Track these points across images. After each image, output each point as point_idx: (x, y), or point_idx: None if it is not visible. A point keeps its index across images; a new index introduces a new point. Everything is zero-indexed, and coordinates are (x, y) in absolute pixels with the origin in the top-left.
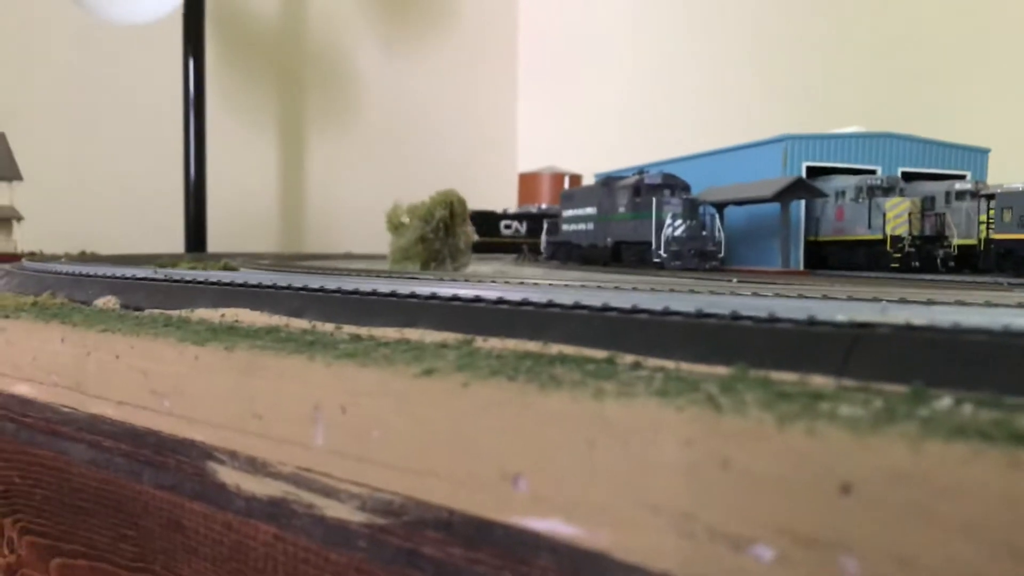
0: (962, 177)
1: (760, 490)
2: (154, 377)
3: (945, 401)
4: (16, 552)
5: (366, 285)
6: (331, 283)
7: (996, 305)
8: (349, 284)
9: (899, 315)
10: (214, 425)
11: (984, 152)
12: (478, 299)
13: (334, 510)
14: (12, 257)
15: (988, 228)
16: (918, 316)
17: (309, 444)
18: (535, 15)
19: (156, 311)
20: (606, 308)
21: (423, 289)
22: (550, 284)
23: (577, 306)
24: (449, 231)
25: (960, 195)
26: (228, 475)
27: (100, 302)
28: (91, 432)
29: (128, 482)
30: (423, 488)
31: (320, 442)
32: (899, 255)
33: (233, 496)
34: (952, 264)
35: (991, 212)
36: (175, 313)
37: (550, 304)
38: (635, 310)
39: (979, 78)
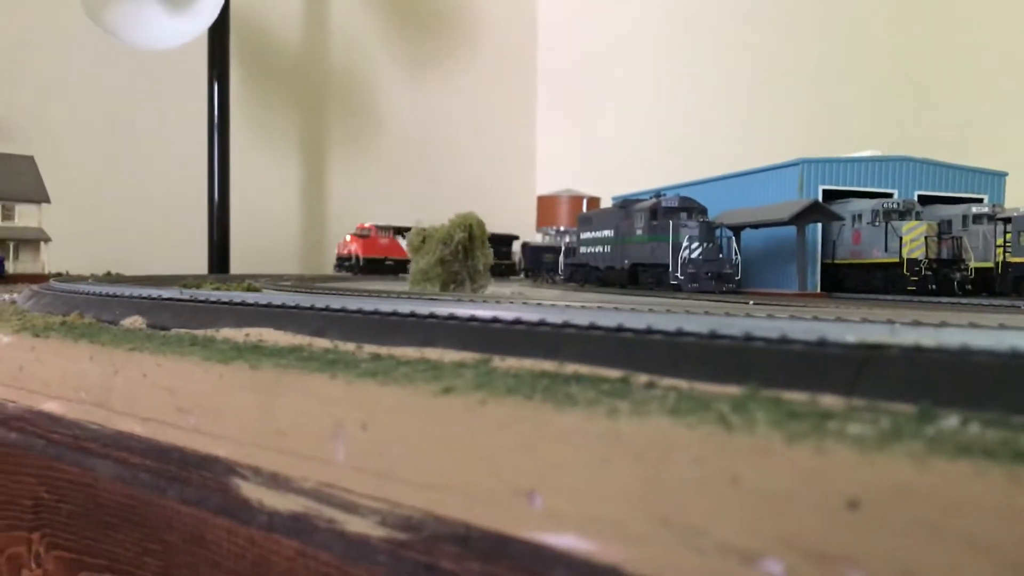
0: (979, 200)
1: (769, 506)
2: (180, 395)
3: (952, 420)
4: (43, 566)
5: (386, 306)
6: (352, 304)
7: (1009, 328)
8: (370, 305)
9: (909, 336)
10: (238, 441)
11: (1001, 175)
12: (496, 319)
13: (355, 525)
14: (40, 277)
15: (1005, 251)
16: (927, 338)
17: (331, 460)
18: (555, 40)
19: (182, 331)
20: (621, 329)
21: (442, 309)
22: (567, 305)
23: (592, 327)
24: (468, 253)
25: (977, 218)
26: (251, 490)
27: (127, 322)
28: (117, 448)
29: (153, 497)
30: (441, 503)
31: (341, 458)
32: (916, 278)
33: (256, 511)
34: (969, 287)
35: (1008, 235)
36: (200, 333)
37: (566, 325)
38: (649, 331)
39: (997, 101)
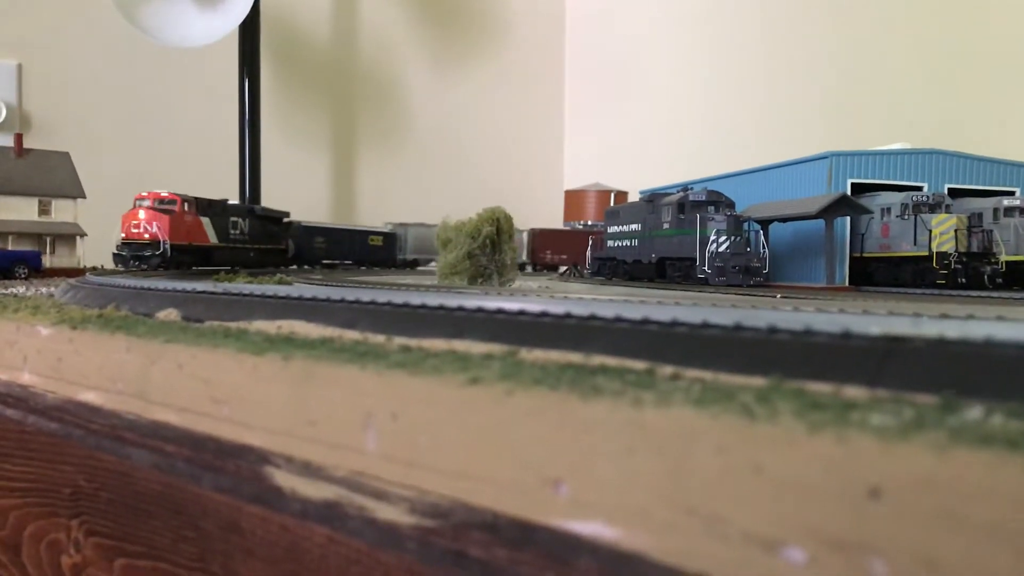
0: (1011, 193)
1: (791, 495)
2: (214, 385)
3: (975, 411)
4: (82, 552)
5: (415, 299)
6: (382, 296)
7: None
8: (399, 298)
9: (933, 328)
10: (271, 431)
11: None
12: (522, 312)
13: (385, 512)
14: (76, 271)
15: None
16: (952, 330)
17: (361, 449)
18: (582, 34)
19: (216, 323)
20: (647, 321)
21: (470, 303)
22: (593, 298)
23: (618, 319)
24: (496, 247)
25: (1009, 211)
26: (284, 479)
27: (162, 314)
28: (154, 438)
29: (189, 486)
30: (469, 491)
31: (372, 447)
32: (945, 272)
33: (289, 499)
34: (1000, 281)
35: None
36: (234, 325)
37: (592, 317)
38: (675, 323)
39: None
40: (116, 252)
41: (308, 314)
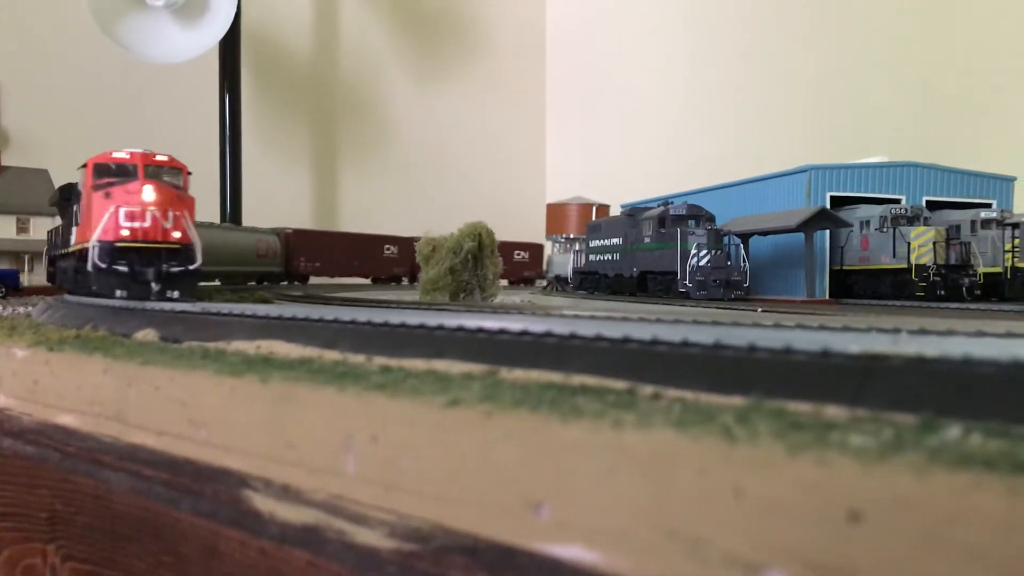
0: (987, 206)
1: (772, 517)
2: (192, 408)
3: (953, 431)
4: None
5: (395, 317)
6: (362, 315)
7: (1015, 335)
8: (379, 316)
9: (912, 346)
10: (249, 454)
11: (1009, 180)
12: (503, 331)
13: (365, 536)
14: (55, 290)
15: (1014, 256)
16: (931, 347)
17: (341, 472)
18: (563, 50)
19: (194, 343)
20: (627, 340)
21: (450, 321)
22: (575, 316)
23: (599, 338)
24: (478, 262)
25: (986, 223)
26: (263, 502)
27: (140, 335)
28: (132, 461)
29: (167, 509)
30: (450, 515)
31: (351, 470)
32: (924, 284)
33: (268, 523)
34: (978, 293)
35: (1016, 240)
36: (212, 345)
37: (573, 336)
38: (655, 342)
39: (1004, 106)
40: (103, 265)
41: (288, 334)
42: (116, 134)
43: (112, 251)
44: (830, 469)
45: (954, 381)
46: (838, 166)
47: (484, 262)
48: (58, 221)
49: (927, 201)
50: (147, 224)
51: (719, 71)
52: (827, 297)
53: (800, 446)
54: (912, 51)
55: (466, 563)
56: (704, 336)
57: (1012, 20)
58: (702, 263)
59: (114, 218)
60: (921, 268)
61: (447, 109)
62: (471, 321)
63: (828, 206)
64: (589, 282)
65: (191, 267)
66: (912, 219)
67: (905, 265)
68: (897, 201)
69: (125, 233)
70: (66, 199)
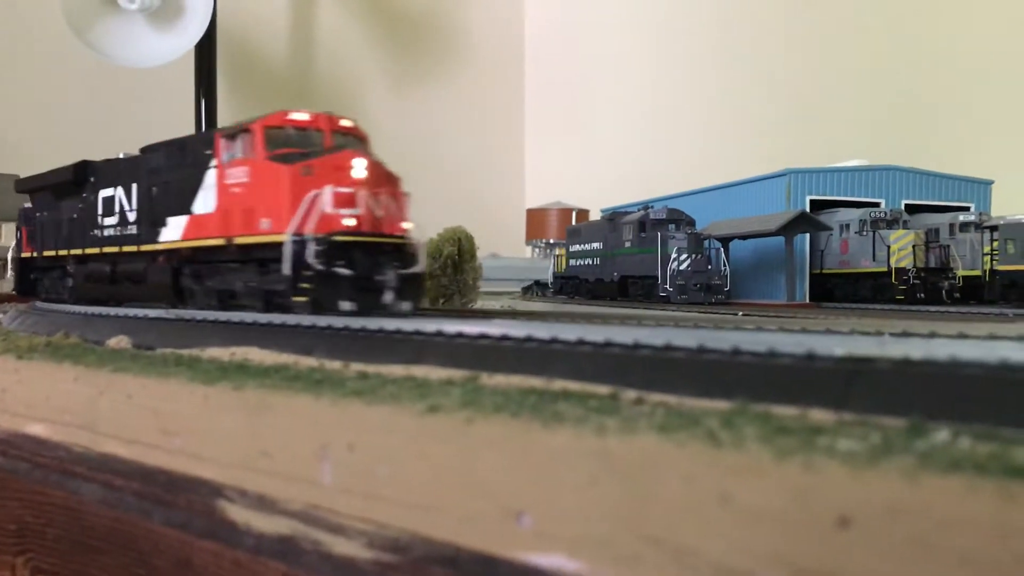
0: (966, 209)
1: (760, 524)
2: (165, 416)
3: (942, 435)
4: None
5: (373, 323)
6: (339, 321)
7: (998, 338)
8: (356, 322)
9: (897, 349)
10: (223, 463)
11: (987, 184)
12: (483, 336)
13: (342, 547)
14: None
15: (992, 259)
16: (916, 350)
17: (317, 481)
18: (542, 53)
19: (167, 350)
20: (609, 344)
21: (429, 326)
22: (555, 320)
23: (580, 342)
24: (457, 267)
25: (964, 227)
26: (237, 513)
27: (112, 342)
28: (103, 471)
29: (139, 520)
30: (429, 525)
31: (328, 479)
32: (904, 287)
33: (243, 534)
34: (957, 295)
35: (995, 243)
36: (186, 352)
37: (554, 340)
38: (637, 346)
39: (982, 109)
40: (320, 267)
41: (263, 340)
42: (89, 139)
43: (330, 248)
44: (818, 474)
45: (941, 383)
46: (817, 170)
47: (464, 267)
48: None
49: (906, 204)
50: (361, 211)
51: (699, 76)
52: (807, 301)
53: (787, 451)
54: (890, 54)
55: (446, 574)
56: (687, 340)
57: (988, 24)
58: (682, 267)
59: (321, 203)
60: (901, 271)
61: (425, 114)
62: (450, 326)
63: (808, 210)
64: (569, 287)
65: (419, 270)
66: (891, 222)
67: (885, 268)
68: (876, 205)
69: (349, 223)
70: (76, 182)
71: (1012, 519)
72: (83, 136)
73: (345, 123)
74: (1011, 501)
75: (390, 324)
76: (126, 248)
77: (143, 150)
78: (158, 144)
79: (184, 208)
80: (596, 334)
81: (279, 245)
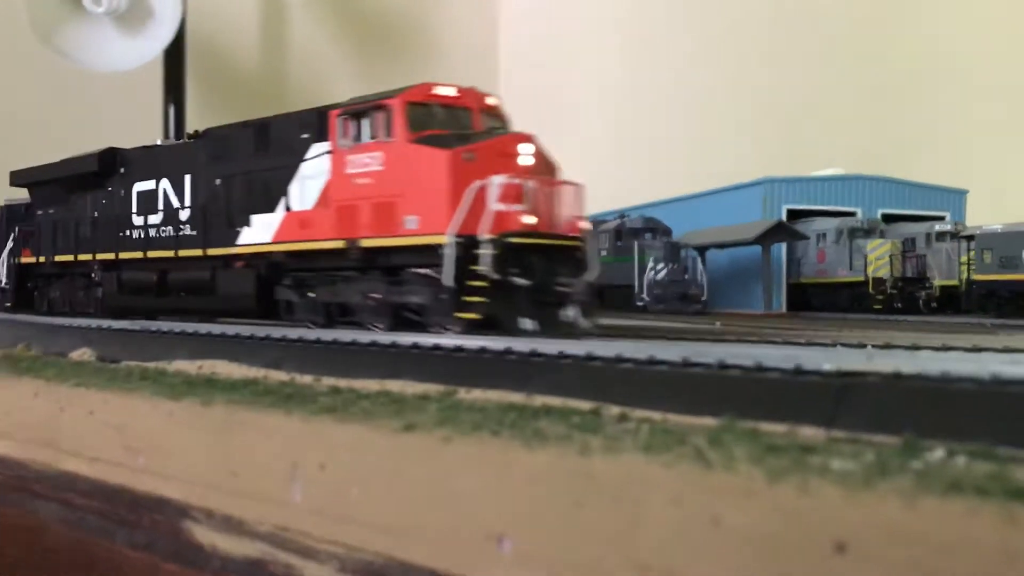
0: (941, 218)
1: (752, 548)
2: (128, 433)
3: (937, 453)
4: None
5: (346, 335)
6: (310, 333)
7: (983, 349)
8: (328, 334)
9: (887, 364)
10: (190, 483)
11: (962, 193)
12: (460, 349)
13: (313, 571)
14: None
15: (969, 269)
16: (906, 364)
17: (287, 502)
18: (516, 63)
19: (132, 363)
20: (591, 358)
21: (404, 339)
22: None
23: (561, 356)
24: None
25: (940, 236)
26: (204, 534)
27: (75, 354)
28: (64, 490)
29: (101, 541)
30: (404, 548)
31: (298, 500)
32: (881, 297)
33: (209, 556)
34: (935, 305)
35: (971, 253)
36: (152, 365)
37: (533, 354)
38: (620, 359)
39: (957, 119)
40: (495, 275)
41: (231, 353)
42: (53, 146)
43: (505, 253)
44: (813, 497)
45: (934, 399)
46: (794, 179)
47: None
48: None
49: (883, 214)
50: (538, 208)
51: (673, 85)
52: (784, 310)
53: (780, 472)
54: (869, 64)
55: None
56: (671, 353)
57: (964, 34)
58: (659, 276)
59: (489, 196)
60: (878, 281)
61: None
62: (426, 338)
63: (785, 219)
64: None
65: (594, 278)
66: (868, 232)
67: (862, 278)
68: (853, 214)
69: (529, 221)
70: (101, 174)
71: (1015, 542)
72: (48, 142)
73: (491, 101)
74: (1014, 524)
75: (364, 337)
76: (184, 252)
77: (192, 136)
78: (219, 129)
79: (271, 204)
80: (577, 347)
81: (426, 249)
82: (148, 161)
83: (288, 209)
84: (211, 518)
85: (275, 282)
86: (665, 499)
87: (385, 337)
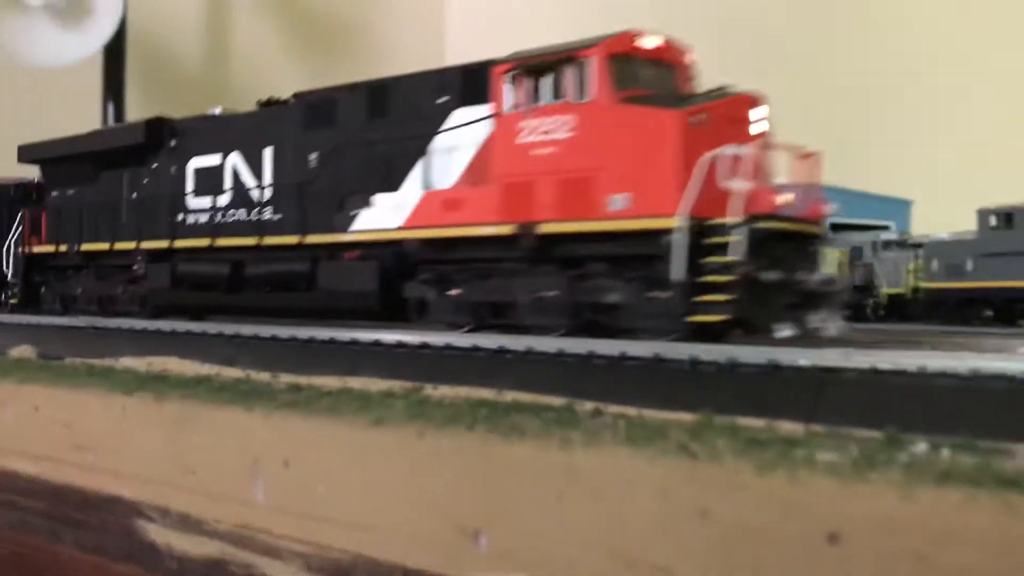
0: (886, 228)
1: (742, 541)
2: (77, 430)
3: (921, 446)
4: None
5: (303, 331)
6: (265, 330)
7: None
8: (285, 331)
9: (864, 359)
10: (143, 480)
11: (907, 203)
12: (425, 345)
13: (276, 571)
14: None
15: (916, 277)
16: (884, 360)
17: (248, 500)
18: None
19: (77, 360)
20: (561, 354)
21: (365, 335)
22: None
23: (530, 351)
24: None
25: (887, 245)
26: (159, 534)
27: (15, 351)
28: (6, 491)
29: (47, 544)
30: (375, 545)
31: (260, 498)
32: None
33: (164, 556)
34: (882, 313)
35: (919, 261)
36: (98, 362)
37: (502, 350)
38: (592, 355)
39: (901, 128)
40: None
41: (182, 349)
42: None
43: (758, 242)
44: (805, 488)
45: (912, 394)
46: None
47: None
48: None
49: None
50: (791, 187)
51: None
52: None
53: (769, 464)
54: (813, 71)
55: None
56: (642, 350)
57: (906, 42)
58: None
59: (725, 172)
60: None
61: None
62: (389, 335)
63: None
64: None
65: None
66: None
67: None
68: None
69: (786, 201)
70: (148, 147)
71: (1012, 530)
72: None
73: (691, 58)
74: (1010, 512)
75: (323, 333)
76: (269, 240)
77: (267, 103)
78: (314, 93)
79: (393, 182)
80: (547, 344)
81: (635, 236)
82: (210, 132)
83: (427, 188)
84: (166, 517)
85: (403, 276)
86: (651, 492)
87: (344, 334)
